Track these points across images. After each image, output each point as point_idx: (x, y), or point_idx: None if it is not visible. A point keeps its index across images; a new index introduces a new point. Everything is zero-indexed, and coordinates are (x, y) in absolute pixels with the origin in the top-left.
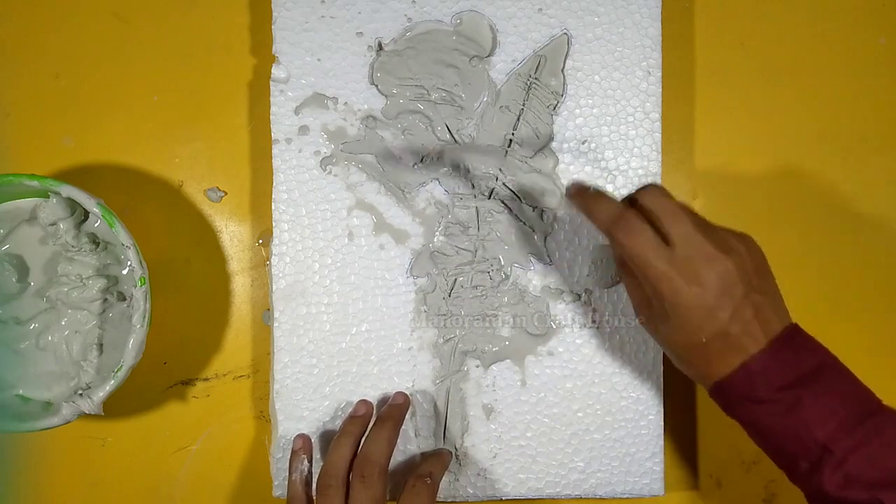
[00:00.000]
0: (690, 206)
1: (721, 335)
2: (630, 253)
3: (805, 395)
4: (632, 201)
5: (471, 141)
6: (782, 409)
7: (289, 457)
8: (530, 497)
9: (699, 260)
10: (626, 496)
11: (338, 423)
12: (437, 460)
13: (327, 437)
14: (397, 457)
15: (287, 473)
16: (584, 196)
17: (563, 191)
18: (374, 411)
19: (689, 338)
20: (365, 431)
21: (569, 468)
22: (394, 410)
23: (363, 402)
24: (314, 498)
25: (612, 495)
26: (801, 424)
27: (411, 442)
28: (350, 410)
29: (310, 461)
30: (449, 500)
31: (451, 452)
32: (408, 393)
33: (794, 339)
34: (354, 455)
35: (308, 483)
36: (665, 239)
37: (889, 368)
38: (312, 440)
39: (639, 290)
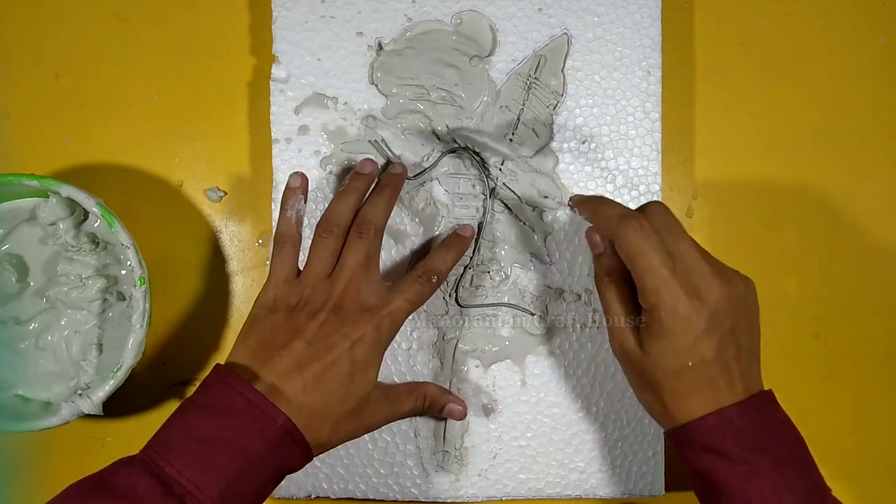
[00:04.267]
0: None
1: (704, 365)
2: (634, 252)
3: (766, 465)
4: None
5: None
6: (742, 470)
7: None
8: (530, 497)
9: (701, 277)
10: (626, 496)
11: None
12: (449, 254)
13: None
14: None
15: (281, 211)
16: (589, 201)
17: (566, 200)
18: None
19: (676, 359)
20: (368, 189)
21: (569, 468)
22: (393, 179)
23: (368, 160)
24: (312, 239)
25: (612, 495)
26: (757, 494)
27: (411, 442)
28: (355, 167)
29: (305, 201)
30: (449, 501)
31: (471, 235)
32: None
33: (770, 404)
34: (356, 210)
35: (300, 223)
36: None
37: (889, 368)
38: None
39: (625, 301)
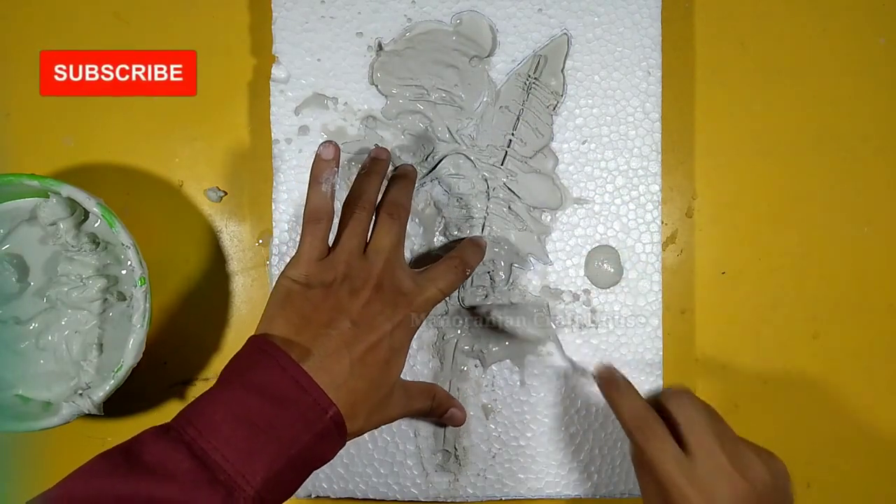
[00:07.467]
0: (719, 415)
1: None
2: (649, 459)
3: None
4: (657, 401)
5: (471, 141)
6: None
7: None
8: (530, 497)
9: (716, 477)
10: (626, 496)
11: None
12: (479, 251)
13: None
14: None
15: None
16: (611, 386)
17: (566, 201)
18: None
19: None
20: (385, 174)
21: (569, 468)
22: (409, 170)
23: (382, 148)
24: (342, 215)
25: (612, 495)
26: None
27: (411, 441)
28: (370, 154)
29: (338, 174)
30: (449, 501)
31: (485, 245)
32: None
33: None
34: (379, 191)
35: (334, 197)
36: (685, 448)
37: (889, 369)
38: None
39: (655, 494)
